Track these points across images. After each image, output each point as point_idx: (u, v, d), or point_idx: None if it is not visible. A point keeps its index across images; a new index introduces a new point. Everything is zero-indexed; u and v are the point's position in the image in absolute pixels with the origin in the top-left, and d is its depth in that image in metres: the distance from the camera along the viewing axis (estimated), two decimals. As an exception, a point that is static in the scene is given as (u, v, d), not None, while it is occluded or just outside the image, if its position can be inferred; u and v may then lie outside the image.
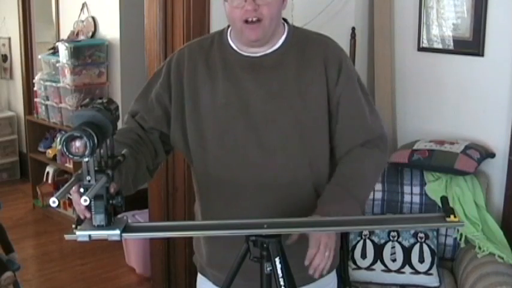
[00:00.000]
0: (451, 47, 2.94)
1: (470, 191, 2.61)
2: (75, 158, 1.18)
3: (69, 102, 4.11)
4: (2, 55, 5.32)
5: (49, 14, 4.82)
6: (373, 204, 2.74)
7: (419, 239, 2.56)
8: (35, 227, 4.37)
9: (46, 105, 4.40)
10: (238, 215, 1.54)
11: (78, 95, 4.10)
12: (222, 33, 1.68)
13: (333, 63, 1.62)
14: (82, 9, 4.43)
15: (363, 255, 2.57)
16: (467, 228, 2.56)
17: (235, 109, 1.59)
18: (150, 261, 3.28)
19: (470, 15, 2.83)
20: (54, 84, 4.27)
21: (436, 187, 2.67)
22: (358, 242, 2.59)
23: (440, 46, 2.97)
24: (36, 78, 4.50)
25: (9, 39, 5.22)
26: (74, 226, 1.28)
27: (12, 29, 5.05)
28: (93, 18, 4.37)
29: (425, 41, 3.02)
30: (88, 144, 1.16)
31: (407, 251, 2.55)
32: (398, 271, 2.53)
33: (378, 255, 2.56)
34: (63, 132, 4.32)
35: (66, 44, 4.09)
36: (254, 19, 1.53)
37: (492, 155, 2.77)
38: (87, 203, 1.18)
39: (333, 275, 1.80)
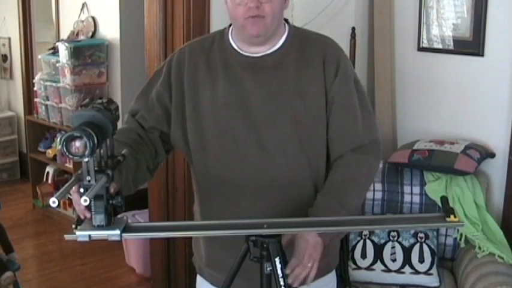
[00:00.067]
0: (451, 47, 2.93)
1: (470, 191, 2.61)
2: (75, 158, 1.18)
3: (69, 102, 4.11)
4: (2, 55, 5.31)
5: (49, 14, 4.81)
6: (373, 204, 2.74)
7: (419, 239, 2.56)
8: (35, 227, 4.36)
9: (46, 105, 4.39)
10: (237, 215, 1.54)
11: (78, 95, 4.10)
12: (223, 33, 1.68)
13: (331, 62, 1.62)
14: (82, 9, 4.43)
15: (363, 255, 2.57)
16: (467, 228, 2.55)
17: (235, 109, 1.59)
18: (150, 262, 3.28)
19: (470, 15, 2.82)
20: (54, 84, 4.26)
21: (436, 187, 2.67)
22: (358, 242, 2.59)
23: (440, 46, 2.97)
24: (36, 78, 4.50)
25: (9, 39, 5.21)
26: (74, 226, 1.28)
27: (12, 29, 5.04)
28: (93, 18, 4.36)
29: (425, 41, 3.02)
30: (88, 144, 1.16)
31: (407, 251, 2.54)
32: (398, 271, 2.53)
33: (378, 255, 2.56)
34: (63, 132, 4.32)
35: (66, 44, 4.08)
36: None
37: (492, 155, 2.77)
38: (87, 203, 1.18)
39: (333, 275, 1.80)
